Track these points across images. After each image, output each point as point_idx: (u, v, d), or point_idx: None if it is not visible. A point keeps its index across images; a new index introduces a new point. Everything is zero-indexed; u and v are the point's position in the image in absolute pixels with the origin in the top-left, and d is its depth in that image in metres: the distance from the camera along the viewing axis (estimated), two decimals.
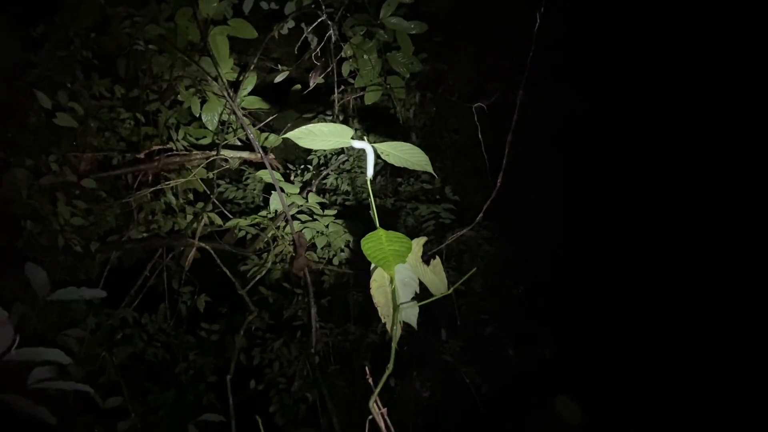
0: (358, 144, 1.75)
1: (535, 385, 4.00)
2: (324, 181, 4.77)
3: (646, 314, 4.42)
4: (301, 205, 3.79)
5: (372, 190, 1.82)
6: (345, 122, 4.88)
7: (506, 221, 4.60)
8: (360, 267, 4.25)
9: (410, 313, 1.75)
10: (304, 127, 1.70)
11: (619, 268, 4.74)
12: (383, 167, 5.11)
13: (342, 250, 3.99)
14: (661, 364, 4.10)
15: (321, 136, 1.73)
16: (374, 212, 1.74)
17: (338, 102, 4.08)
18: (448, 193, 4.52)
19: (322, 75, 4.09)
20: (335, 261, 4.08)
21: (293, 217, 3.68)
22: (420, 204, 4.44)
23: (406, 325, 1.78)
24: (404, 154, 1.88)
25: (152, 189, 3.77)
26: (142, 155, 3.85)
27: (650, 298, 4.45)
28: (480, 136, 3.90)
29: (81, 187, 3.41)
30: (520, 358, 4.43)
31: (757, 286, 4.18)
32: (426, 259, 1.76)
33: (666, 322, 4.34)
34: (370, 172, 1.79)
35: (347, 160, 4.90)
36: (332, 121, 4.70)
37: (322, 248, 3.92)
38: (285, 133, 4.62)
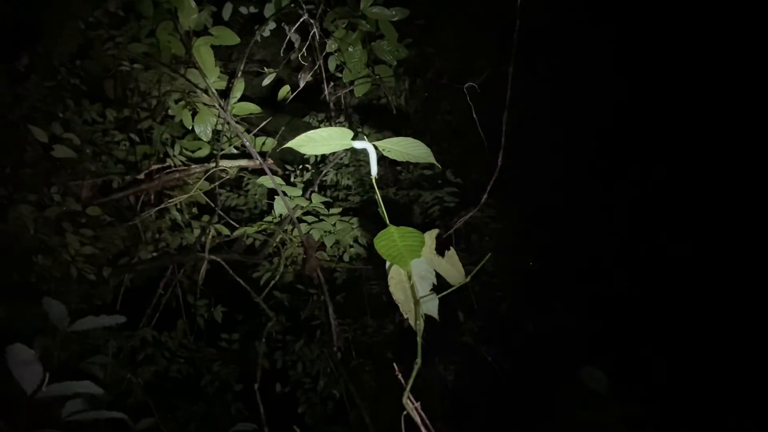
0: (359, 144, 1.76)
1: (556, 357, 4.02)
2: (324, 179, 4.76)
3: (660, 280, 4.42)
4: (305, 207, 3.80)
5: (378, 181, 1.83)
6: (338, 117, 4.87)
7: (508, 197, 4.60)
8: (371, 261, 4.27)
9: (431, 306, 1.76)
10: (304, 134, 1.71)
11: (629, 234, 4.74)
12: (381, 157, 5.10)
13: (351, 246, 4.00)
14: (679, 328, 4.12)
15: (321, 141, 1.74)
16: (383, 210, 1.75)
17: (330, 98, 4.06)
18: (450, 177, 4.52)
19: (311, 73, 4.08)
20: (345, 257, 4.10)
21: (299, 220, 3.69)
22: (422, 191, 4.45)
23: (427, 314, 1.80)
24: (406, 148, 1.90)
25: (156, 208, 3.77)
26: (142, 176, 3.86)
27: (662, 264, 4.46)
28: (475, 115, 3.90)
29: (85, 215, 3.42)
30: (539, 332, 4.45)
31: None
32: (440, 250, 1.77)
33: (682, 287, 4.34)
34: (374, 171, 1.80)
35: (345, 155, 4.90)
36: (326, 118, 4.70)
37: (331, 246, 3.93)
38: (282, 143, 4.64)
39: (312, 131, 1.73)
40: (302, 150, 1.75)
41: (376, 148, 1.81)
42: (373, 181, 1.79)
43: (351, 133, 1.75)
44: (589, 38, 5.20)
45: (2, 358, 2.42)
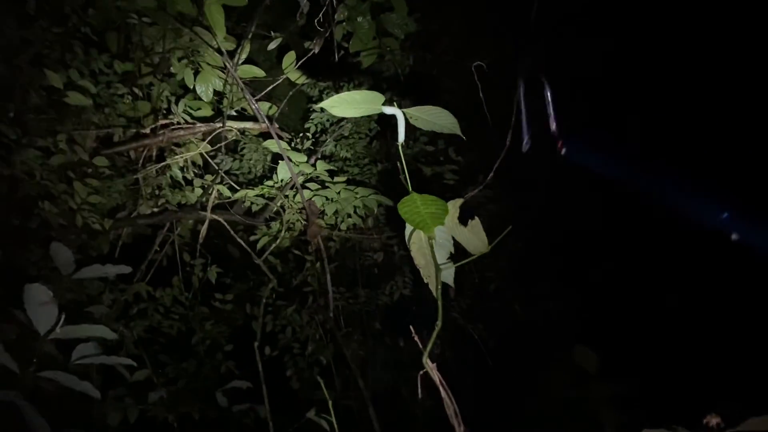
0: (389, 110, 1.78)
1: (545, 337, 4.11)
2: (324, 149, 4.77)
3: (651, 263, 4.52)
4: (309, 174, 3.81)
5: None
6: (342, 89, 4.86)
7: (506, 179, 4.65)
8: (367, 232, 4.32)
9: (447, 274, 1.81)
10: (337, 96, 1.73)
11: (617, 218, 4.83)
12: (380, 131, 5.11)
13: (349, 216, 4.03)
14: (669, 310, 4.23)
15: (353, 103, 1.76)
16: (406, 177, 1.79)
17: (338, 66, 4.06)
18: (452, 155, 4.55)
19: (323, 40, 4.07)
20: (343, 226, 4.12)
21: (302, 186, 3.71)
22: (423, 166, 4.48)
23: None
24: (432, 117, 1.93)
25: (161, 164, 3.76)
26: (147, 130, 3.83)
27: (653, 246, 4.56)
28: (481, 94, 3.91)
29: (90, 165, 3.40)
30: (528, 312, 4.54)
31: None
32: (463, 219, 1.82)
33: (671, 270, 4.45)
34: (401, 137, 1.82)
35: (343, 125, 4.90)
36: (332, 87, 4.69)
37: (331, 215, 3.95)
38: (284, 109, 4.62)
39: (345, 93, 1.75)
40: (334, 111, 1.77)
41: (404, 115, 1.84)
42: (399, 147, 1.82)
43: (382, 98, 1.77)
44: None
45: (7, 300, 2.42)
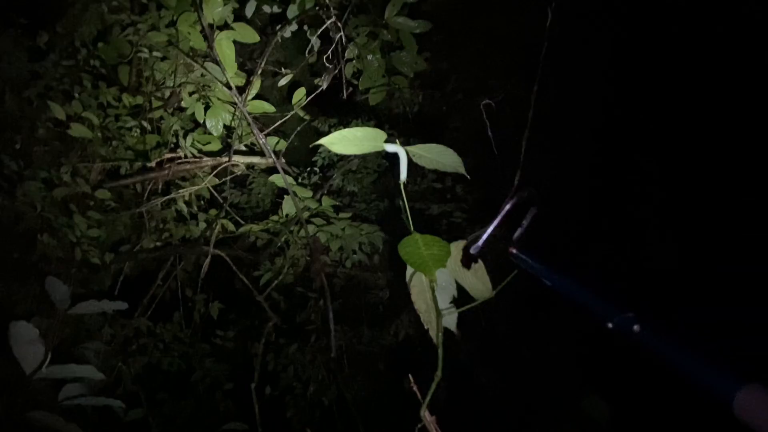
0: (391, 148, 1.73)
1: (550, 384, 3.97)
2: (330, 183, 4.74)
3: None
4: (315, 209, 3.77)
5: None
6: (350, 125, 4.87)
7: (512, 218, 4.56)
8: (373, 269, 4.24)
9: (450, 320, 1.73)
10: (337, 132, 1.67)
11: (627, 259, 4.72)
12: (388, 167, 5.08)
13: (355, 253, 3.97)
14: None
15: (355, 141, 1.71)
16: (408, 216, 1.72)
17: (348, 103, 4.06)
18: (460, 192, 4.50)
19: (332, 76, 4.07)
20: (347, 264, 4.06)
21: (307, 221, 3.66)
22: (431, 204, 4.42)
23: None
24: (436, 156, 1.86)
25: (165, 198, 3.73)
26: (153, 164, 3.81)
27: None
28: (490, 133, 3.86)
29: (92, 198, 3.38)
30: (535, 357, 4.40)
31: None
32: (466, 262, 1.74)
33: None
34: (403, 176, 1.76)
35: (351, 159, 4.88)
36: (339, 123, 4.69)
37: (335, 251, 3.89)
38: (293, 145, 4.62)
39: (346, 130, 1.70)
40: (334, 148, 1.71)
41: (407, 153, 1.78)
42: (401, 185, 1.76)
43: (384, 135, 1.72)
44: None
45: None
